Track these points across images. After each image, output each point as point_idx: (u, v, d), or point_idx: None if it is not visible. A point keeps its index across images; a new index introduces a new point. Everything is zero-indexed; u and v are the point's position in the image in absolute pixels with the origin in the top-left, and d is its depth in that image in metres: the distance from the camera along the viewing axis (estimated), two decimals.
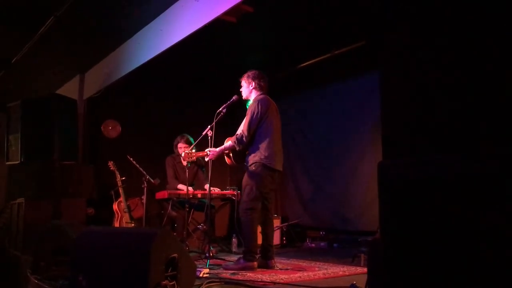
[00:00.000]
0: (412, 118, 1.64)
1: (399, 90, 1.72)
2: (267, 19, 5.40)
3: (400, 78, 1.72)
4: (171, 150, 6.03)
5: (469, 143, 1.42)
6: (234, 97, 4.47)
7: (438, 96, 1.56)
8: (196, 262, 3.60)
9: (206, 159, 4.45)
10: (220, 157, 4.49)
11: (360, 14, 5.10)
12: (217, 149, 4.37)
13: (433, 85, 1.58)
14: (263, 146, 4.15)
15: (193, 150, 4.61)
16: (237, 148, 4.25)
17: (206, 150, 4.41)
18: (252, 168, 4.15)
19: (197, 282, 3.07)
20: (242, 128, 4.27)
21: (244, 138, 4.16)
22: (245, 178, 4.21)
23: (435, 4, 1.62)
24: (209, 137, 4.43)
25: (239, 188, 5.92)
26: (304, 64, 6.66)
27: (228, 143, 4.36)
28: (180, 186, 5.75)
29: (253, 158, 4.16)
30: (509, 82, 1.36)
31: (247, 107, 4.39)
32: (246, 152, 4.28)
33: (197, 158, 5.84)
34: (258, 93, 4.38)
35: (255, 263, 4.07)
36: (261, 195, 4.15)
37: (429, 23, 1.62)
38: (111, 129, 6.84)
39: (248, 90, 4.41)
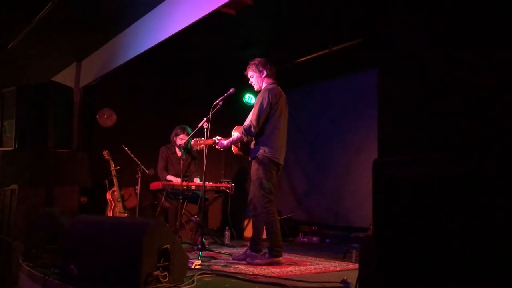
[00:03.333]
0: (408, 117, 1.64)
1: (396, 89, 1.72)
2: (267, 12, 5.38)
3: (398, 77, 1.72)
4: (167, 140, 6.02)
5: (464, 144, 1.42)
6: (231, 90, 4.44)
7: (434, 97, 1.57)
8: (188, 254, 3.60)
9: (217, 147, 4.33)
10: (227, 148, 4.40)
11: (359, 11, 5.09)
12: (226, 141, 4.27)
13: (430, 85, 1.59)
14: (270, 138, 4.06)
15: (202, 138, 4.46)
16: (245, 139, 4.13)
17: (214, 138, 4.29)
18: (259, 160, 4.05)
19: (188, 274, 3.08)
20: (250, 118, 4.14)
21: (252, 129, 4.03)
22: (253, 172, 4.11)
23: (435, 2, 1.62)
24: (205, 129, 4.41)
25: (234, 181, 5.95)
26: (302, 59, 6.64)
27: (236, 133, 4.27)
28: (169, 177, 5.75)
29: (258, 151, 4.06)
30: (506, 86, 1.36)
31: (244, 100, 4.37)
32: (252, 144, 4.18)
33: (191, 149, 5.84)
34: (269, 81, 4.24)
35: (281, 259, 4.01)
36: (273, 186, 4.05)
37: (429, 22, 1.62)
38: (107, 118, 6.81)
39: (261, 80, 4.25)
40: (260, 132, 4.09)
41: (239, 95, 6.87)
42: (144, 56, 5.64)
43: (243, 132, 4.10)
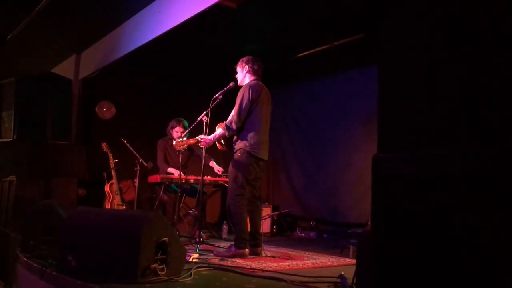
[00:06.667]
0: (408, 113, 1.64)
1: (396, 85, 1.72)
2: (267, 6, 5.36)
3: (398, 73, 1.72)
4: (165, 133, 6.01)
5: (464, 140, 1.42)
6: (230, 84, 4.45)
7: (435, 93, 1.56)
8: (186, 247, 3.61)
9: (200, 146, 4.45)
10: (213, 144, 4.50)
11: (361, 6, 5.07)
12: (210, 136, 4.36)
13: (431, 82, 1.58)
14: (250, 134, 4.16)
15: (185, 138, 4.57)
16: (227, 135, 4.25)
17: (197, 137, 4.38)
18: (237, 155, 4.17)
19: (186, 267, 3.08)
20: (232, 114, 4.26)
21: (233, 125, 4.16)
22: (231, 165, 4.23)
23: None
24: (204, 123, 4.41)
25: None
26: (302, 54, 6.63)
27: (219, 130, 4.36)
28: (170, 169, 5.74)
29: (238, 145, 4.18)
30: (505, 85, 1.36)
31: None
32: (234, 139, 4.29)
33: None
34: (252, 78, 4.36)
35: (247, 250, 4.10)
36: (247, 182, 4.17)
37: (431, 18, 1.61)
38: (106, 110, 6.80)
39: (242, 75, 4.40)
40: (241, 127, 4.20)
41: (238, 89, 6.86)
42: (144, 49, 5.63)
43: (225, 128, 4.22)
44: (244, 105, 4.14)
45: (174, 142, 4.52)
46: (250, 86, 4.23)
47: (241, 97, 4.19)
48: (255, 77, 4.37)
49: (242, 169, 4.13)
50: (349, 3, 5.10)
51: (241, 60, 4.43)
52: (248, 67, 4.36)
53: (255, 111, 4.19)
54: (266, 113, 4.32)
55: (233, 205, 4.15)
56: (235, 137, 4.27)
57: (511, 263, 1.22)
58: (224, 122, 4.29)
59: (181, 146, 4.53)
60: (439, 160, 1.41)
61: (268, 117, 4.35)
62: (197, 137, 4.39)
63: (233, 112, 4.29)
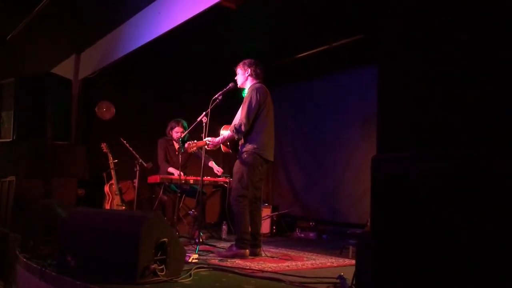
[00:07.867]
0: (407, 114, 1.64)
1: (396, 86, 1.72)
2: (267, 7, 5.36)
3: (398, 75, 1.72)
4: (165, 134, 6.01)
5: (463, 140, 1.42)
6: (230, 85, 4.45)
7: (434, 93, 1.56)
8: (185, 248, 3.60)
9: (207, 148, 4.45)
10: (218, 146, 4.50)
11: (360, 7, 5.07)
12: (217, 139, 4.37)
13: (431, 82, 1.59)
14: (258, 136, 4.17)
15: (194, 141, 4.57)
16: (236, 137, 4.25)
17: (205, 139, 4.38)
18: (244, 156, 4.17)
19: (185, 267, 3.08)
20: (239, 117, 4.25)
21: (242, 127, 4.14)
22: (236, 166, 4.23)
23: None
24: (204, 124, 4.41)
25: (232, 175, 5.94)
26: (302, 54, 6.64)
27: (226, 132, 4.35)
28: (170, 169, 5.74)
29: (247, 147, 4.18)
30: (505, 85, 1.36)
31: (243, 95, 4.38)
32: (240, 142, 4.28)
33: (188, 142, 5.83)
34: (255, 81, 4.36)
35: (247, 251, 4.10)
36: (251, 183, 4.17)
37: (430, 17, 1.62)
38: (105, 110, 6.79)
39: (244, 78, 4.39)
40: (248, 130, 4.20)
41: (238, 90, 6.87)
42: (143, 49, 5.63)
43: (234, 130, 4.21)
44: (252, 108, 4.15)
45: (186, 145, 4.52)
46: (257, 89, 4.24)
47: (249, 100, 4.19)
48: (258, 80, 4.37)
49: (248, 170, 4.14)
50: (349, 3, 5.10)
51: (242, 62, 4.41)
52: (251, 70, 4.35)
53: (262, 113, 4.22)
54: (271, 115, 4.34)
55: (236, 205, 4.15)
56: (241, 140, 4.27)
57: (511, 263, 1.22)
58: (233, 124, 4.28)
59: (192, 149, 4.54)
60: (438, 160, 1.41)
61: (273, 119, 4.36)
62: (204, 140, 4.38)
63: (239, 115, 4.29)
